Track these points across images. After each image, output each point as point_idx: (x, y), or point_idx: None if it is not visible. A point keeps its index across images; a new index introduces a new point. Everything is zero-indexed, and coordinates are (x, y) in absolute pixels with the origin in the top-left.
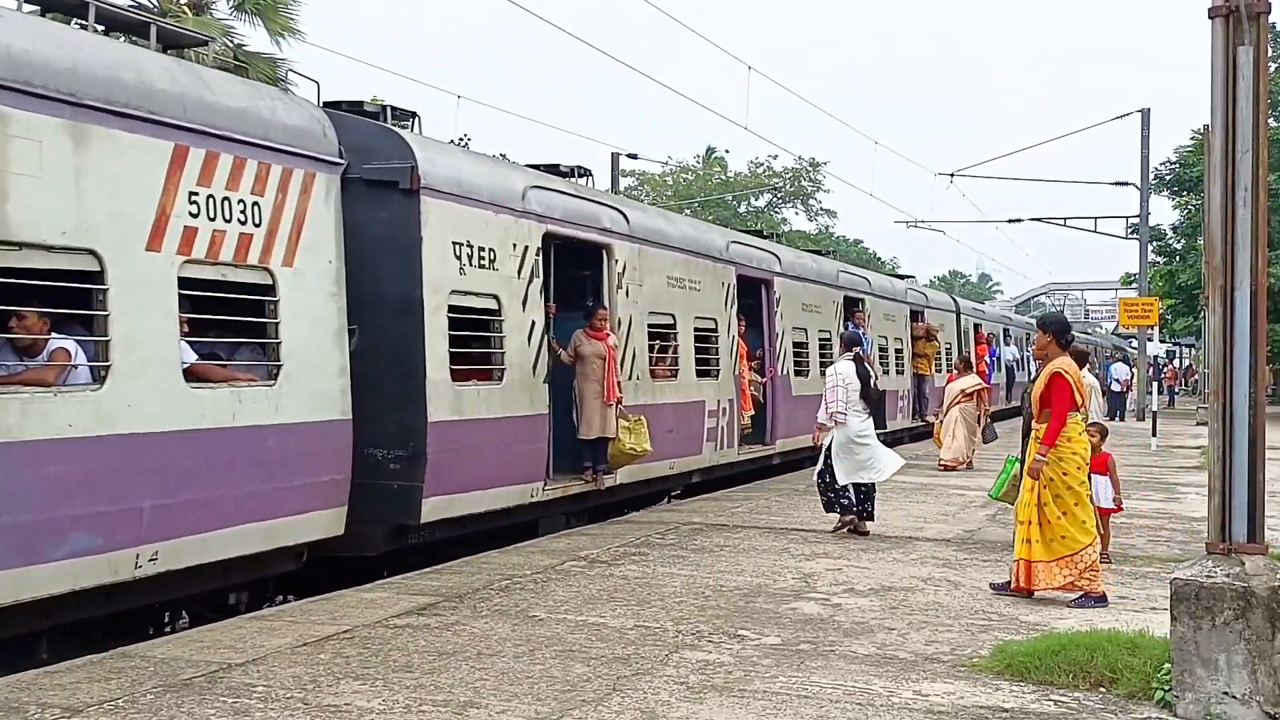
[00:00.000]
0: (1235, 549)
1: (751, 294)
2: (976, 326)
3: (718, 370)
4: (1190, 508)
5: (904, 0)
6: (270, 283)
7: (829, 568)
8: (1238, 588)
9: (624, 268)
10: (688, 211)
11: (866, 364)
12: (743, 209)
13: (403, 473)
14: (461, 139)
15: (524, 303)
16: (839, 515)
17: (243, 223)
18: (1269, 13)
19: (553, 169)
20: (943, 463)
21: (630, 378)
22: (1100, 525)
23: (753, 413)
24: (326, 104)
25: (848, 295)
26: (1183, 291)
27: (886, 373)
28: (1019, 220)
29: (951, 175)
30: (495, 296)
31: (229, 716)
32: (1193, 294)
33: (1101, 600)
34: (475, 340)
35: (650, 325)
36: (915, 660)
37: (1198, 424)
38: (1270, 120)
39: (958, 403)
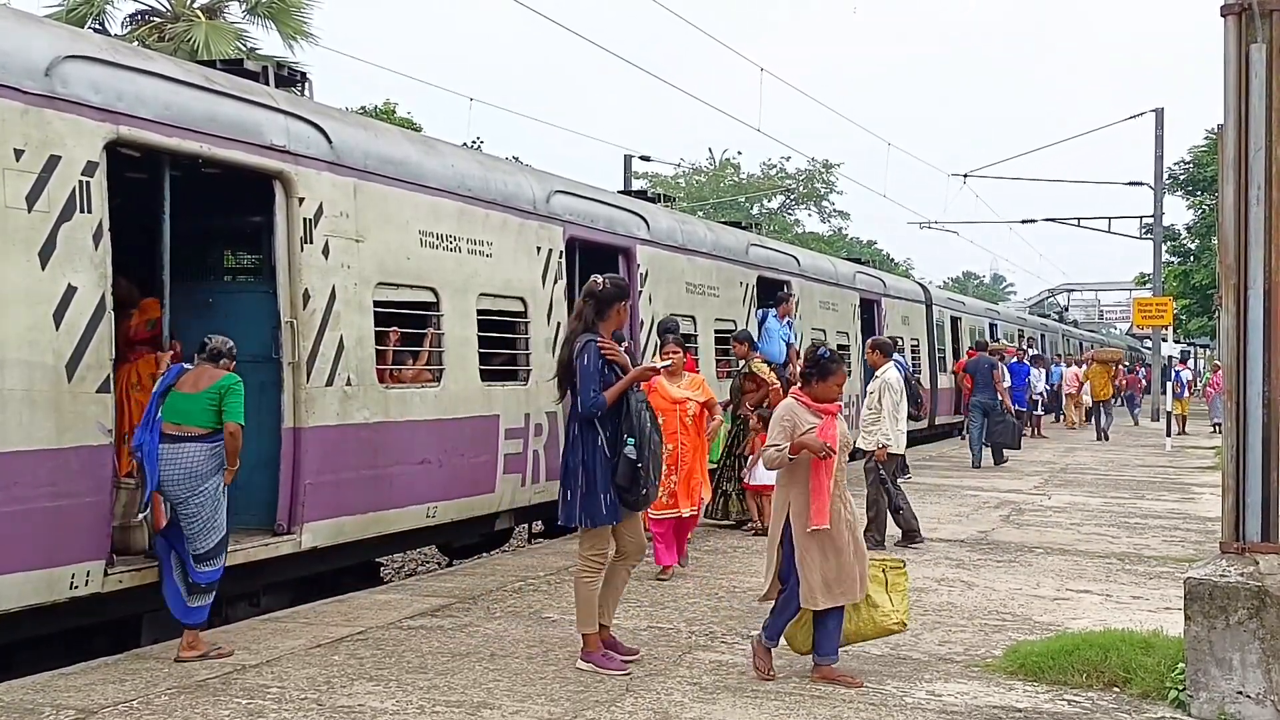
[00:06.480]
0: (1250, 548)
1: (608, 268)
2: (955, 321)
3: (526, 372)
4: (1205, 507)
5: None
6: None
7: None
8: (1252, 587)
9: (319, 210)
10: (701, 214)
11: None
12: (755, 210)
13: None
14: (475, 141)
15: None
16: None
17: None
18: None
19: (234, 65)
20: None
21: (343, 383)
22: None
23: None
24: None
25: (764, 276)
26: (1197, 291)
27: None
28: (1033, 221)
29: (965, 176)
30: None
31: (243, 718)
32: (1207, 294)
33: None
34: None
35: (379, 304)
36: (928, 660)
37: (1212, 424)
38: None
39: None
